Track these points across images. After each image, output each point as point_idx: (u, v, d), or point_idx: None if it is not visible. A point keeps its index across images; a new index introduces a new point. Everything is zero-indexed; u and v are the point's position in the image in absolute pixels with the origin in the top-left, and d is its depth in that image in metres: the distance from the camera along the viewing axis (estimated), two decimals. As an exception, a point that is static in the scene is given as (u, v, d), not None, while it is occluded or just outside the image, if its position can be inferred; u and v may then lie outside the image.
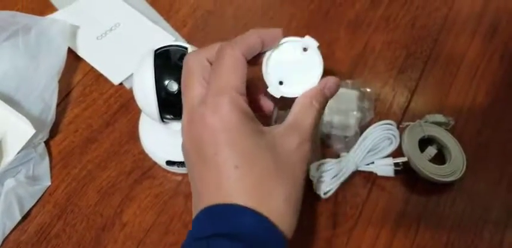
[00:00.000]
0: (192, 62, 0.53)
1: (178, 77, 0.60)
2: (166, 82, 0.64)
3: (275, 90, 0.54)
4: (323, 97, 0.54)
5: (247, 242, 0.45)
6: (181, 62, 0.61)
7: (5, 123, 0.78)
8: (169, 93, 0.64)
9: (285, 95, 0.54)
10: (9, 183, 0.73)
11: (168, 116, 0.66)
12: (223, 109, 0.48)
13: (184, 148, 0.53)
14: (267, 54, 0.54)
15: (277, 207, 0.48)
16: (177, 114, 0.66)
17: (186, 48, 0.66)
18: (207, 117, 0.48)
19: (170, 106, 0.65)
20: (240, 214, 0.47)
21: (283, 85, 0.55)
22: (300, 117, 0.53)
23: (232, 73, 0.50)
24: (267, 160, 0.48)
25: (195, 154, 0.51)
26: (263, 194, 0.48)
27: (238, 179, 0.47)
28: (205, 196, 0.49)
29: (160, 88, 0.63)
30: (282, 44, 0.54)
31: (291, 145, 0.50)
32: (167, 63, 0.66)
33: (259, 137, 0.49)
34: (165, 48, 0.67)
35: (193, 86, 0.52)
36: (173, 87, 0.63)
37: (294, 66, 0.55)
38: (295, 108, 0.53)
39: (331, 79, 0.55)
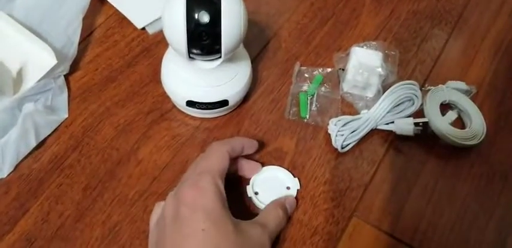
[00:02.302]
0: (217, 149, 0.64)
1: (210, 9, 0.59)
2: (197, 13, 0.62)
3: (251, 194, 0.70)
4: (284, 207, 0.67)
5: None
6: None
7: (28, 51, 0.78)
8: (200, 24, 0.62)
9: (257, 204, 0.70)
10: (28, 107, 0.72)
11: (195, 51, 0.65)
12: (202, 183, 0.58)
13: (163, 210, 0.60)
14: (260, 173, 0.72)
15: None
16: (204, 49, 0.65)
17: None
18: (188, 190, 0.58)
19: (199, 39, 0.64)
20: None
21: (258, 195, 0.70)
22: (265, 216, 0.65)
23: (216, 161, 0.62)
24: (230, 228, 0.56)
25: (172, 214, 0.58)
26: None
27: (203, 240, 0.54)
28: None
29: (190, 19, 0.62)
30: (269, 170, 0.73)
31: (254, 232, 0.59)
32: None
33: (226, 211, 0.58)
34: None
35: (212, 162, 0.63)
36: (204, 18, 0.62)
37: (271, 189, 0.71)
38: (263, 211, 0.67)
39: (291, 198, 0.71)
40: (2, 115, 0.71)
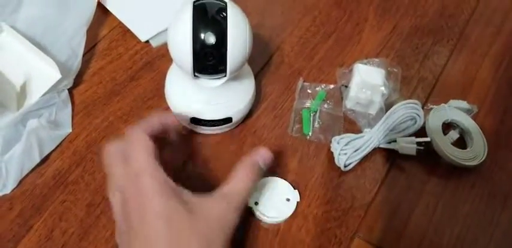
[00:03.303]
0: (132, 133, 0.57)
1: (216, 30, 0.60)
2: (203, 34, 0.62)
3: (251, 204, 0.70)
4: (258, 171, 0.62)
5: None
6: (219, 15, 0.60)
7: (32, 65, 0.78)
8: (206, 46, 0.63)
9: (257, 215, 0.70)
10: (32, 123, 0.72)
11: (200, 70, 0.65)
12: (145, 187, 0.52)
13: (117, 221, 0.57)
14: (260, 183, 0.72)
15: None
16: (209, 69, 0.66)
17: (225, 3, 0.65)
18: (133, 198, 0.53)
19: (204, 59, 0.64)
20: None
21: (257, 205, 0.71)
22: (233, 187, 0.59)
23: (144, 153, 0.54)
24: (184, 222, 0.52)
25: (125, 225, 0.54)
26: None
27: (159, 238, 0.51)
28: None
29: (196, 40, 0.62)
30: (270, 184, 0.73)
31: (213, 212, 0.54)
32: (205, 15, 0.65)
33: (178, 203, 0.52)
34: (204, 1, 0.66)
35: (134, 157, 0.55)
36: (210, 39, 0.62)
37: (271, 200, 0.72)
38: (231, 180, 0.60)
39: (263, 151, 0.64)
40: (6, 130, 0.71)
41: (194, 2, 0.64)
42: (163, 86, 0.76)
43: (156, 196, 0.52)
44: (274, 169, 0.75)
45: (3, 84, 0.74)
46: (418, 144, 0.75)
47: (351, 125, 0.80)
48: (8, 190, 0.71)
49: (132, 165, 0.55)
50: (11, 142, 0.71)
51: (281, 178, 0.74)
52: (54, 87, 0.75)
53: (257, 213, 0.70)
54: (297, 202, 0.72)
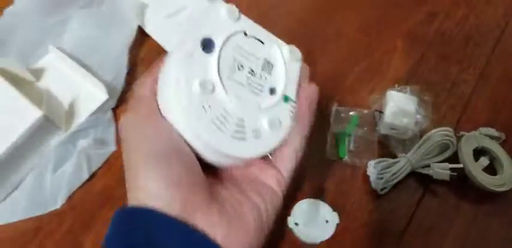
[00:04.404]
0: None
1: None
2: None
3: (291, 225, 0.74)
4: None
5: None
6: None
7: (80, 85, 0.80)
8: None
9: (297, 235, 0.74)
10: (82, 143, 0.74)
11: None
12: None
13: None
14: (300, 204, 0.76)
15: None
16: None
17: None
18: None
19: None
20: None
21: (298, 226, 0.74)
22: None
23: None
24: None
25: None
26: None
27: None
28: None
29: None
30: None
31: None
32: None
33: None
34: None
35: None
36: None
37: (310, 221, 0.75)
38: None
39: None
40: (57, 149, 0.74)
41: None
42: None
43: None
44: (314, 191, 0.77)
45: (52, 104, 0.76)
46: (452, 169, 0.78)
47: (384, 149, 0.83)
48: (57, 206, 0.73)
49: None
50: (62, 160, 0.74)
51: (321, 200, 0.76)
52: (100, 108, 0.78)
53: (297, 234, 0.72)
54: (337, 224, 0.74)
